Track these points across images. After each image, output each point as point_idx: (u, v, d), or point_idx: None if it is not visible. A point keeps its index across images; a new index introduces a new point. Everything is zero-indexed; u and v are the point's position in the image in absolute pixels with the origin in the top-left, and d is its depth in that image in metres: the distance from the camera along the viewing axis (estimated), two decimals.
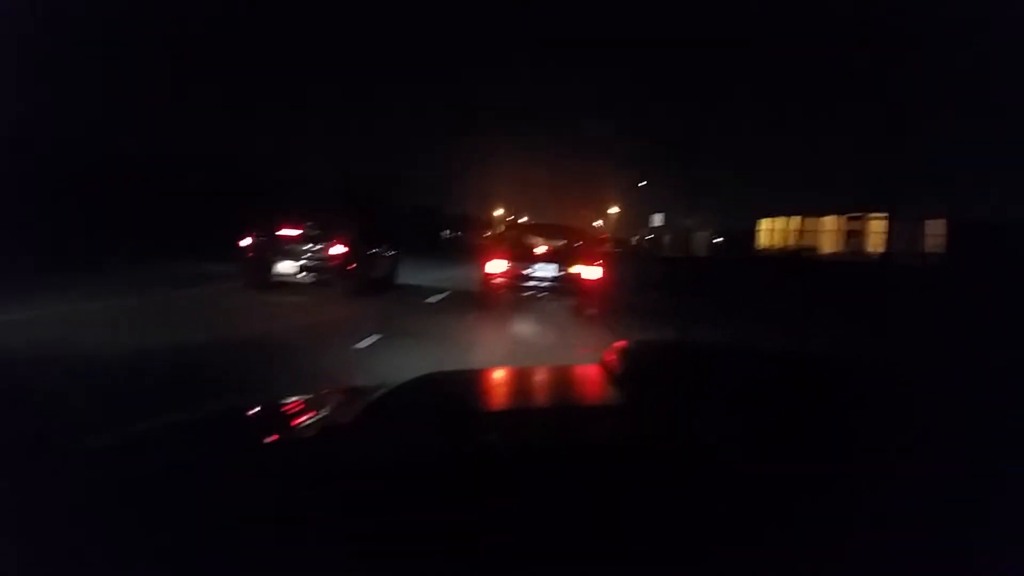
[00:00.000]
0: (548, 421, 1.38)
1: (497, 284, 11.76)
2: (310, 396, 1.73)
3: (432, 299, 13.65)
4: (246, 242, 12.91)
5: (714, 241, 63.87)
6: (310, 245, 12.81)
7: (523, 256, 12.06)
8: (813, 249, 46.51)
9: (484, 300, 12.07)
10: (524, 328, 10.86)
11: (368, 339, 8.06)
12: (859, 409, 1.37)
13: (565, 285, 11.62)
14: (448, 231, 68.81)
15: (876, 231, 43.15)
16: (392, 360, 7.17)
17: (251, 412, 1.62)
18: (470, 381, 1.97)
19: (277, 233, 12.93)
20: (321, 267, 12.76)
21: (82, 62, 22.51)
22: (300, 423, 1.50)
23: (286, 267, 12.69)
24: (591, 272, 11.64)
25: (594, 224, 70.34)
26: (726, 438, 1.13)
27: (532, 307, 12.20)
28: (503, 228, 13.87)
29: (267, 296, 12.32)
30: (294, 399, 1.65)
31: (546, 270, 11.67)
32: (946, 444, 1.12)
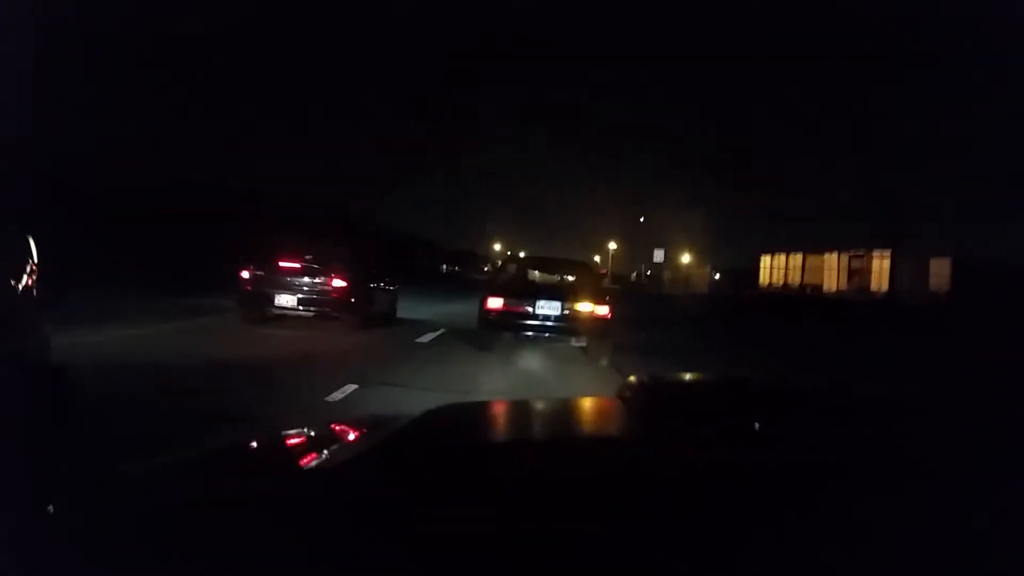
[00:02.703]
0: (568, 452, 1.39)
1: (496, 322, 10.92)
2: (323, 428, 1.79)
3: (424, 338, 12.75)
4: (244, 274, 12.59)
5: (715, 277, 63.76)
6: (309, 278, 12.51)
7: (524, 292, 11.21)
8: (817, 287, 46.28)
9: (481, 340, 11.22)
10: (524, 373, 10.04)
11: (344, 390, 7.13)
12: (868, 443, 1.39)
13: (569, 324, 10.78)
14: (446, 265, 68.75)
15: (879, 269, 42.95)
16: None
17: (264, 443, 1.66)
18: (491, 412, 1.98)
19: (276, 265, 12.62)
20: (321, 300, 12.43)
21: (77, 89, 22.40)
22: (314, 456, 1.51)
23: (285, 300, 12.37)
24: (598, 310, 10.89)
25: (593, 260, 70.15)
26: (742, 468, 1.16)
27: (533, 348, 11.31)
28: (503, 262, 13.33)
29: (257, 329, 11.93)
30: (304, 430, 1.70)
31: (549, 308, 10.81)
32: (950, 477, 1.14)
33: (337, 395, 6.88)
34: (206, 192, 28.73)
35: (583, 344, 11.04)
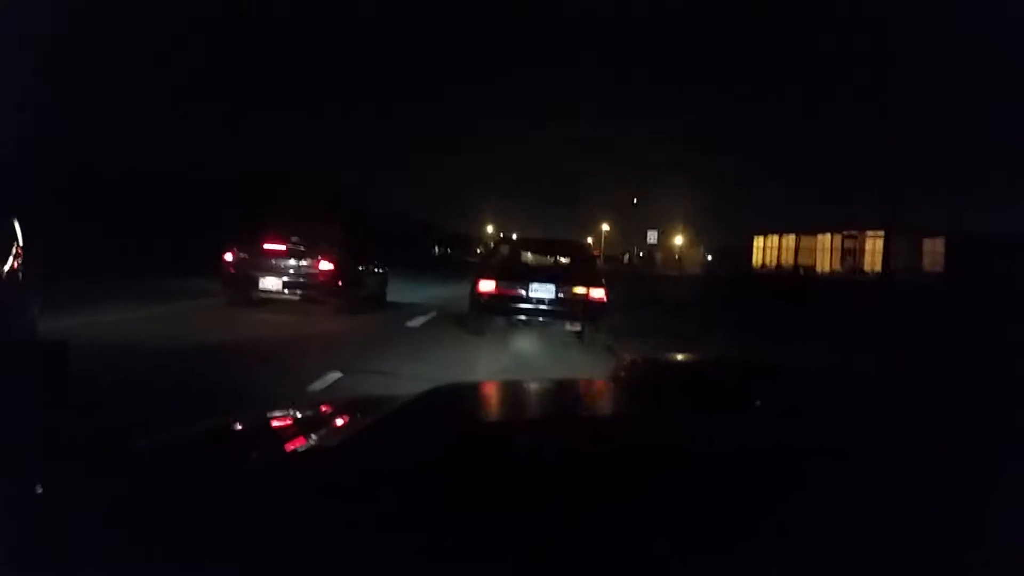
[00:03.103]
0: (565, 430, 1.39)
1: (488, 306, 10.57)
2: (313, 409, 1.80)
3: (414, 322, 12.38)
4: (228, 257, 12.31)
5: (707, 259, 63.64)
6: (295, 260, 12.23)
7: (517, 275, 10.86)
8: (810, 268, 46.14)
9: (473, 324, 10.83)
10: (518, 359, 9.68)
11: (326, 379, 6.75)
12: (864, 421, 1.39)
13: (564, 308, 10.46)
14: (438, 247, 68.41)
15: (872, 249, 42.82)
16: None
17: (270, 422, 1.68)
18: (489, 392, 2.00)
19: (260, 247, 12.35)
20: (307, 284, 12.20)
21: (63, 71, 21.99)
22: (318, 433, 1.50)
23: (270, 283, 12.12)
24: (594, 292, 10.48)
25: (587, 241, 69.88)
26: (736, 446, 1.18)
27: (526, 332, 11.00)
28: (495, 243, 12.79)
29: (241, 314, 11.60)
30: (291, 412, 1.70)
31: (543, 291, 10.43)
32: (948, 456, 1.14)
33: (319, 384, 6.55)
34: (200, 174, 28.39)
35: (578, 328, 10.74)
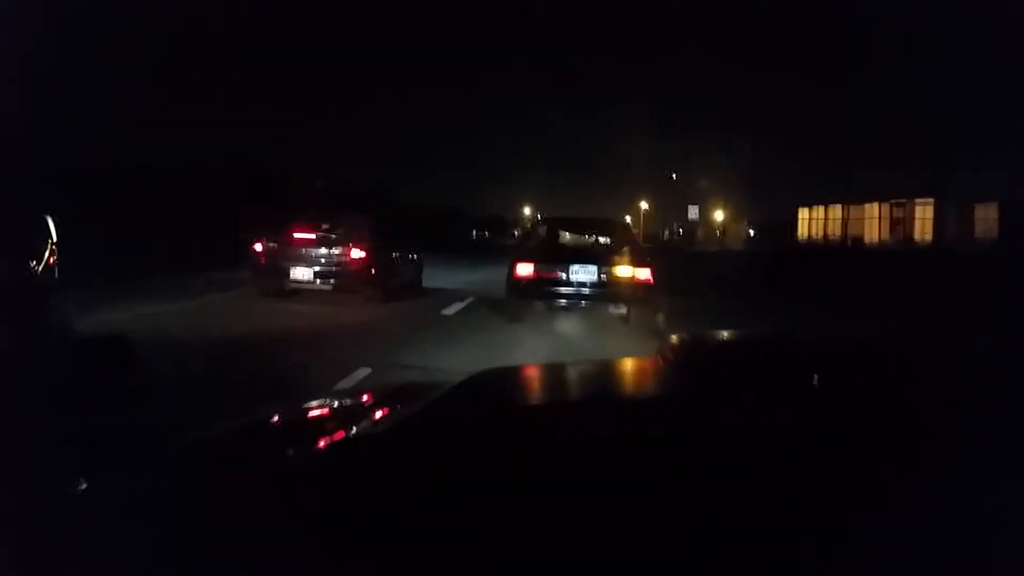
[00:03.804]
0: (614, 411, 1.37)
1: (526, 291, 9.99)
2: (377, 392, 1.95)
3: (449, 310, 11.82)
4: (257, 247, 12.14)
5: (751, 233, 62.45)
6: (326, 249, 11.98)
7: (556, 257, 10.25)
8: (858, 239, 44.92)
9: (511, 310, 10.32)
10: (560, 346, 9.15)
11: (355, 376, 6.35)
12: (920, 397, 1.34)
13: (607, 290, 9.84)
14: (476, 232, 68.33)
15: (922, 218, 41.50)
16: None
17: (309, 413, 1.66)
18: (534, 375, 1.97)
19: (291, 236, 12.15)
20: (339, 273, 11.94)
21: (84, 61, 22.06)
22: (359, 423, 1.49)
23: (301, 273, 11.90)
24: (639, 274, 9.84)
25: (625, 219, 69.10)
26: (790, 425, 1.15)
27: (568, 318, 10.45)
28: (532, 224, 12.01)
29: (270, 304, 11.40)
30: (357, 396, 1.89)
31: (584, 273, 9.80)
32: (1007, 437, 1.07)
33: (346, 383, 6.13)
34: (238, 171, 28.54)
35: (623, 311, 10.16)
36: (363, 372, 6.54)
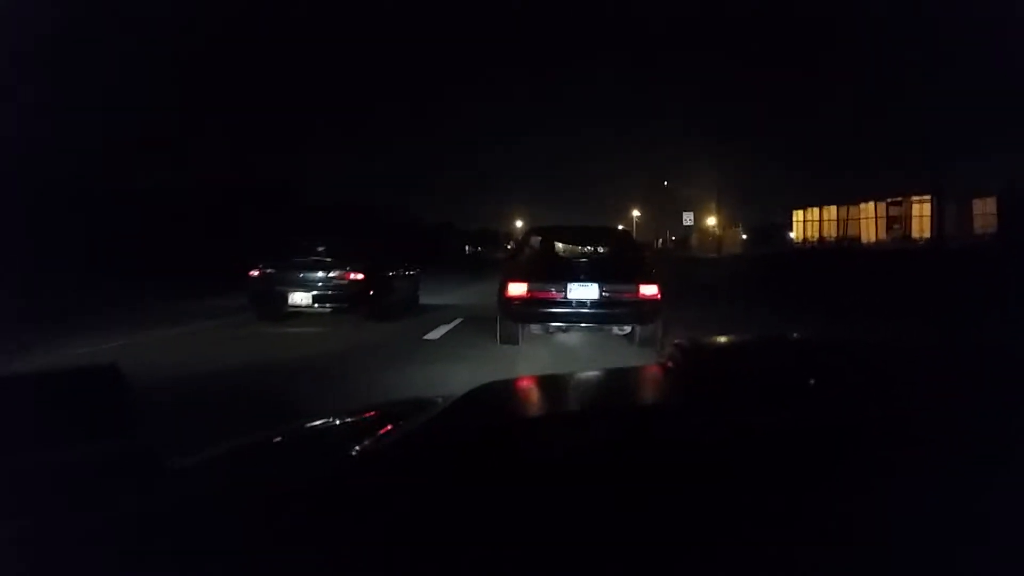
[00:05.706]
0: (619, 420, 1.37)
1: (519, 314, 8.94)
2: (374, 410, 1.80)
3: (433, 334, 10.85)
4: (254, 273, 12.08)
5: (743, 237, 62.40)
6: (324, 273, 11.96)
7: (552, 273, 8.97)
8: (855, 239, 44.82)
9: (503, 334, 9.21)
10: (556, 368, 8.49)
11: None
12: (924, 396, 1.35)
13: (610, 310, 8.77)
14: (469, 246, 68.13)
15: (919, 215, 41.41)
16: None
17: (306, 432, 1.68)
18: (531, 387, 1.95)
19: (288, 261, 12.17)
20: (337, 296, 11.91)
21: (81, 85, 21.95)
22: (359, 441, 1.44)
23: (299, 298, 11.85)
24: (645, 290, 8.76)
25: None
26: (794, 428, 1.16)
27: (564, 341, 9.75)
28: (524, 234, 11.16)
29: (261, 330, 11.30)
30: (356, 415, 1.70)
31: (584, 291, 8.74)
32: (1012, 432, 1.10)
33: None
34: (230, 190, 28.46)
35: (627, 331, 9.23)
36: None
